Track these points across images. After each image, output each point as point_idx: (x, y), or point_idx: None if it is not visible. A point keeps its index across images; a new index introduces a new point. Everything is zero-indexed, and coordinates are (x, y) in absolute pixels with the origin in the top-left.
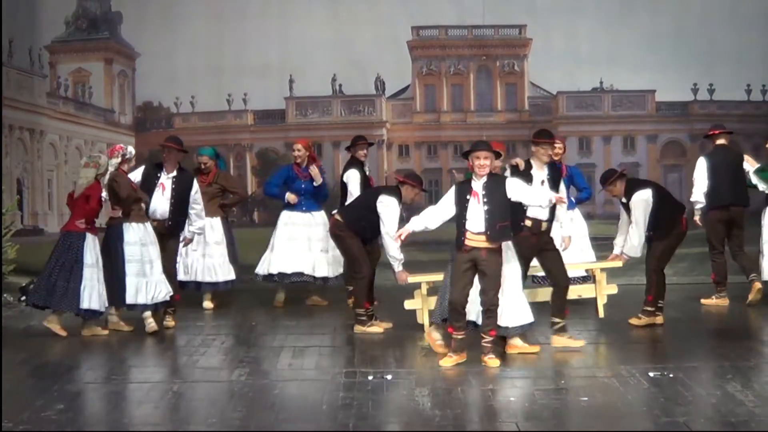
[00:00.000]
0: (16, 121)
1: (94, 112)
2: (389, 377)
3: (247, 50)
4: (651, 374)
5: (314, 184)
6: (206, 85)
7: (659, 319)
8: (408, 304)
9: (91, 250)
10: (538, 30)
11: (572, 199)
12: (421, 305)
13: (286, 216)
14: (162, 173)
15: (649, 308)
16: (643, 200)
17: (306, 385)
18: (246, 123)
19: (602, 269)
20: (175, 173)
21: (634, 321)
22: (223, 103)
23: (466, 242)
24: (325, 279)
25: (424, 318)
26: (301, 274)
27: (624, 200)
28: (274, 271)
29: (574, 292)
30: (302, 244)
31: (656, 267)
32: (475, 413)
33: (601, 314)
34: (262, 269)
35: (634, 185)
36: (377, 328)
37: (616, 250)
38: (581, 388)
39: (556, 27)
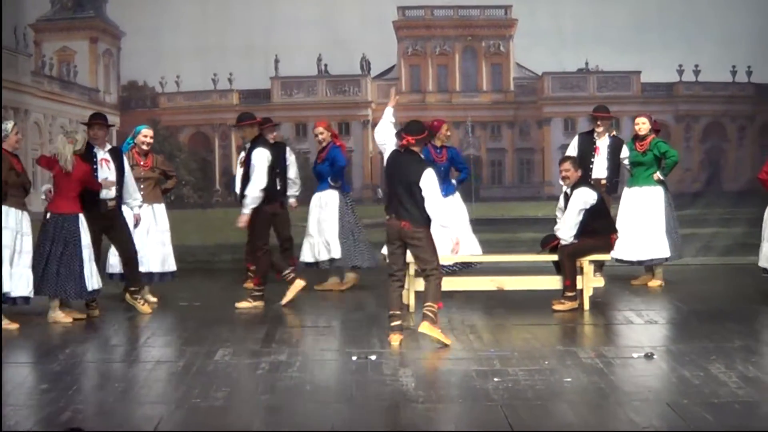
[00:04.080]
0: None
1: (79, 91)
2: (373, 358)
3: (233, 30)
4: (635, 355)
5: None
6: (191, 64)
7: (577, 304)
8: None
9: (85, 230)
10: (524, 10)
11: (453, 182)
12: (407, 285)
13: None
14: (96, 150)
15: (570, 293)
16: (582, 198)
17: (290, 365)
18: (231, 102)
19: (590, 261)
20: (108, 147)
21: (557, 306)
22: (208, 83)
23: None
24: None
25: (410, 299)
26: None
27: (569, 190)
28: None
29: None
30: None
31: (569, 253)
32: (459, 394)
33: (587, 306)
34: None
35: (586, 182)
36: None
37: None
38: (565, 368)
39: (542, 7)
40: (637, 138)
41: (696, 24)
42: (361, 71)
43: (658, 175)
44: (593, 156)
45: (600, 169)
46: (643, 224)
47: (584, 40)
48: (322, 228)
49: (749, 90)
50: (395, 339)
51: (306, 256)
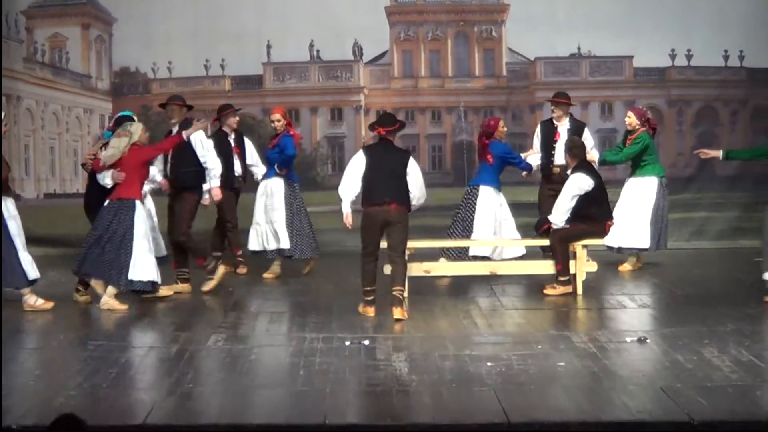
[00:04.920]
0: None
1: (71, 78)
2: (366, 343)
3: (225, 15)
4: (628, 339)
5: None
6: (183, 50)
7: (570, 288)
8: (388, 269)
9: (142, 219)
10: None
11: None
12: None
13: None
14: None
15: (563, 278)
16: (576, 185)
17: (283, 350)
18: (223, 89)
19: (583, 246)
20: None
21: (549, 291)
22: (200, 69)
23: None
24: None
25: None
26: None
27: (569, 173)
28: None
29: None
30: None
31: (561, 237)
32: (452, 378)
33: (580, 291)
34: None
35: (584, 167)
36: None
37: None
38: (558, 353)
39: None
40: (628, 133)
41: (688, 8)
42: (353, 57)
43: (592, 155)
44: (555, 143)
45: (561, 155)
46: (631, 213)
47: (576, 25)
48: (270, 217)
49: (741, 74)
50: (370, 311)
51: (253, 244)
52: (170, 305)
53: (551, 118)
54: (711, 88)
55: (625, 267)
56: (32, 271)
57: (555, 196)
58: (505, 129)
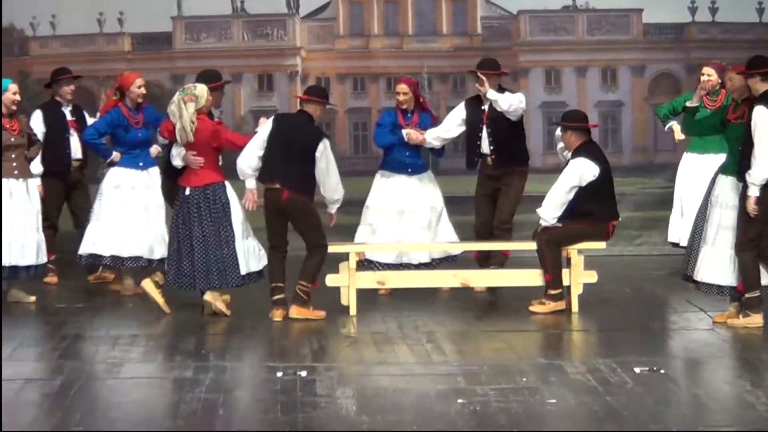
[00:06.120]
0: None
1: None
2: (303, 374)
3: None
4: (636, 369)
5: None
6: (71, 1)
7: (563, 305)
8: (331, 280)
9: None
10: None
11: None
12: (347, 282)
13: (115, 176)
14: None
15: (553, 291)
16: (577, 173)
17: (196, 383)
18: (122, 49)
19: (579, 251)
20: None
21: (537, 308)
22: (93, 25)
23: None
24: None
25: (350, 298)
26: (138, 258)
27: (569, 157)
28: (105, 253)
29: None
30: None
31: (551, 239)
32: (414, 419)
33: (575, 308)
34: (86, 248)
35: (589, 151)
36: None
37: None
38: (548, 387)
39: None
40: (707, 93)
41: None
42: (287, 9)
43: None
44: (481, 128)
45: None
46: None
47: None
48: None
49: None
50: (278, 315)
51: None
52: (52, 326)
53: (478, 96)
54: (741, 49)
55: None
56: None
57: (491, 198)
58: (400, 97)
